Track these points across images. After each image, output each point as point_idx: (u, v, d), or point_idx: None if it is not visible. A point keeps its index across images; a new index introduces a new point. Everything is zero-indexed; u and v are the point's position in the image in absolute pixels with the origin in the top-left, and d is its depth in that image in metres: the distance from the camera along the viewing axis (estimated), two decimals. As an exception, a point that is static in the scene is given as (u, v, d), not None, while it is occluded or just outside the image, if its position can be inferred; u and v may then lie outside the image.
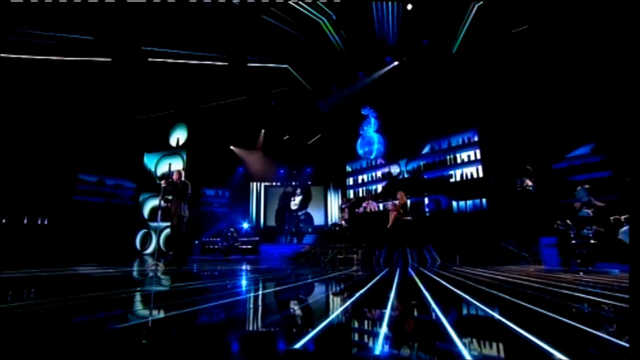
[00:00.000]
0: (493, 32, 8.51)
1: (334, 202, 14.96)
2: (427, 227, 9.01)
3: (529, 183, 5.47)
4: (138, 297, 2.65)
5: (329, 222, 15.10)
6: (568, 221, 5.06)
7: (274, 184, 16.08)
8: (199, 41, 10.40)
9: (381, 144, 10.23)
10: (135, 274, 4.54)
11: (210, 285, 3.36)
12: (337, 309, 2.12)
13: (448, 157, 9.71)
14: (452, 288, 2.95)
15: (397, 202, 9.23)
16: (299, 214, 15.31)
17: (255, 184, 16.04)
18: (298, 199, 15.89)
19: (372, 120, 10.49)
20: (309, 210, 15.65)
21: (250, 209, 15.83)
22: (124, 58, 10.44)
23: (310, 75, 11.13)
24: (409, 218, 8.71)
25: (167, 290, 3.03)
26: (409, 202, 9.22)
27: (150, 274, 4.34)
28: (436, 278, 3.84)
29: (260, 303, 2.44)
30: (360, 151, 10.62)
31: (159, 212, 5.85)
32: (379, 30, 8.67)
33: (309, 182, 15.43)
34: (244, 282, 3.69)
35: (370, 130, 10.52)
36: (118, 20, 9.34)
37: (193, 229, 13.26)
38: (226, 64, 11.01)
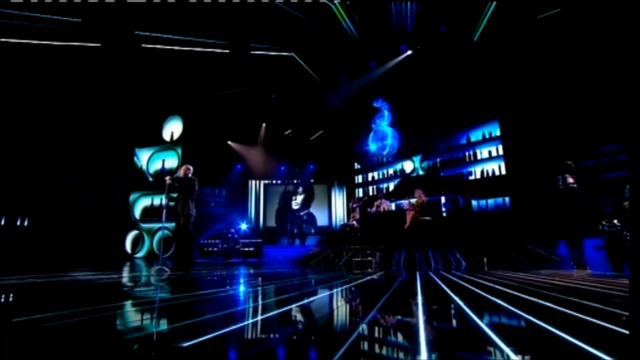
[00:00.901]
0: (517, 18, 8.30)
1: (338, 201, 14.68)
2: (445, 228, 8.79)
3: (571, 180, 5.25)
4: (163, 311, 2.32)
5: (334, 223, 14.83)
6: (615, 221, 4.84)
7: (274, 182, 15.72)
8: (197, 26, 9.99)
9: (395, 138, 9.95)
10: (140, 280, 4.19)
11: (226, 296, 3.04)
12: (411, 322, 1.83)
13: (467, 153, 9.49)
14: (526, 296, 2.68)
15: (414, 200, 9.00)
16: (301, 214, 15.00)
17: (254, 181, 15.66)
18: (300, 198, 15.56)
19: (386, 113, 10.21)
20: (312, 210, 15.35)
21: (248, 209, 15.46)
22: (115, 43, 9.98)
23: (318, 65, 10.81)
24: (428, 218, 8.49)
25: (189, 302, 2.71)
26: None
27: (156, 279, 4.00)
28: (487, 284, 3.58)
29: (297, 320, 2.13)
30: (373, 146, 10.32)
31: (164, 211, 5.52)
32: (396, 15, 8.40)
33: (312, 180, 15.13)
34: (261, 292, 3.38)
35: (384, 123, 10.23)
36: (108, 2, 8.90)
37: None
38: (227, 51, 10.63)
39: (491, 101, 8.78)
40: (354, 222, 9.92)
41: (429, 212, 8.88)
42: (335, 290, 3.37)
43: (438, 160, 10.05)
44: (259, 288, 3.57)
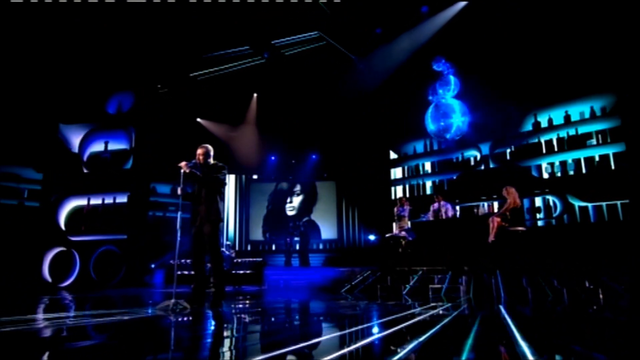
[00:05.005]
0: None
1: (349, 203, 13.34)
2: (543, 242, 7.66)
3: None
4: None
5: (344, 235, 13.43)
6: None
7: (261, 176, 13.99)
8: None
9: (465, 115, 8.66)
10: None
11: None
12: None
13: (564, 137, 8.47)
14: None
15: (505, 202, 7.77)
16: (300, 222, 13.37)
17: (232, 176, 13.81)
18: (297, 200, 14.03)
19: (452, 79, 8.87)
20: (313, 217, 13.81)
21: (225, 215, 13.56)
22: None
23: (345, 14, 9.31)
24: (521, 228, 7.42)
25: None
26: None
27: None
28: None
29: None
30: (432, 126, 8.94)
31: (179, 213, 3.83)
32: None
33: (314, 176, 13.77)
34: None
35: (449, 95, 8.89)
36: None
37: (141, 247, 10.79)
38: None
39: (603, 64, 7.78)
40: (404, 233, 8.57)
41: (523, 220, 7.76)
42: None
43: (518, 146, 8.97)
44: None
